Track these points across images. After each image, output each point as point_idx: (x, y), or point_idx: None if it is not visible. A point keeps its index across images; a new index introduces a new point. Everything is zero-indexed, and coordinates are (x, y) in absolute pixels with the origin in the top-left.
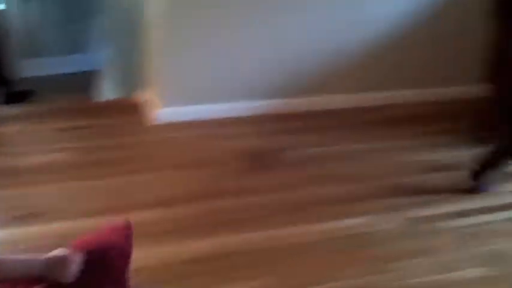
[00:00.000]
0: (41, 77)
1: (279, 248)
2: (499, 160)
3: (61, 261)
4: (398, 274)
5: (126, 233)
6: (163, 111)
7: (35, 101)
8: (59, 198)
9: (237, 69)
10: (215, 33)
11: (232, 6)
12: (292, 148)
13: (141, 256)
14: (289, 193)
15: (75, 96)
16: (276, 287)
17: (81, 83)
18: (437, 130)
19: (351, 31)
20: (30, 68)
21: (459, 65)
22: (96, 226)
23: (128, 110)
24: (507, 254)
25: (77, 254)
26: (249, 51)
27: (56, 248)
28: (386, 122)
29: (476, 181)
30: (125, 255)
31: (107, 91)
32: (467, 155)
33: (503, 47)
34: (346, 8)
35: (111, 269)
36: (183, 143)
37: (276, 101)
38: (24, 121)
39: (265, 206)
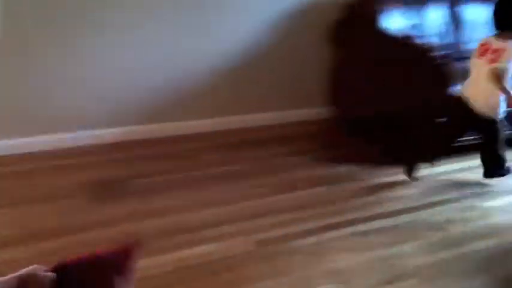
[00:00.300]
0: None
1: None
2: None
3: (33, 279)
4: None
5: (131, 250)
6: None
7: None
8: None
9: (76, 98)
10: (50, 62)
11: (70, 31)
12: (140, 176)
13: None
14: (138, 223)
15: None
16: None
17: None
18: (293, 150)
19: (201, 58)
20: None
21: (309, 89)
22: None
23: None
24: (355, 268)
25: (50, 272)
26: (86, 80)
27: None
28: (242, 145)
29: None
30: (122, 272)
31: None
32: (322, 173)
33: (338, 72)
34: (193, 35)
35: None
36: (21, 178)
37: (122, 128)
38: None
39: (111, 240)
